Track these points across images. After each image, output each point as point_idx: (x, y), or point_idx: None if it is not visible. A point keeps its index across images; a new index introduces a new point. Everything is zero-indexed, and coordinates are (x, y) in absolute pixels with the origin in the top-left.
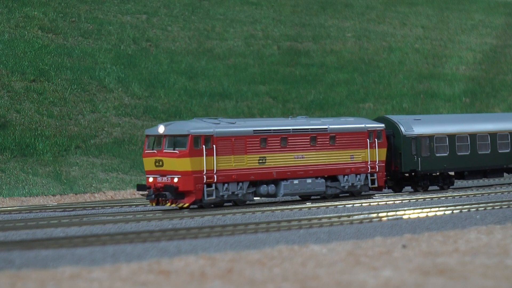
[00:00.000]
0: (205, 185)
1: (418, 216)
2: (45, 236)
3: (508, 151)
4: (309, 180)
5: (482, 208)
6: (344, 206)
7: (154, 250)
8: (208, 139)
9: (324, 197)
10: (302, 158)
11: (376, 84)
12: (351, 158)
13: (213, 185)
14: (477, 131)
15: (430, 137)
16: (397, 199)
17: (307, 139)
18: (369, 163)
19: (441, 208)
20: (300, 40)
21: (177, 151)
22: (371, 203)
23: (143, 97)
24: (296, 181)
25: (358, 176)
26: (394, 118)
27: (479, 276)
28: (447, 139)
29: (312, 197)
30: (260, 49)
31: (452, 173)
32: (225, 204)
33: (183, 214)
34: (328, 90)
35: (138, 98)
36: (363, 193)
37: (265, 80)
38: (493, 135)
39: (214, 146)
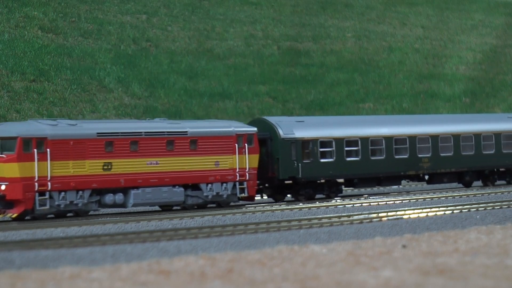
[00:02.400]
0: (37, 194)
1: (418, 216)
2: (45, 236)
3: (406, 156)
4: (165, 189)
5: (482, 208)
6: (344, 206)
7: (154, 250)
8: (41, 142)
9: (184, 208)
10: (157, 164)
11: (376, 84)
12: (215, 164)
13: (47, 193)
14: (370, 134)
15: (314, 141)
16: (397, 199)
17: (163, 143)
18: (237, 170)
19: (441, 208)
20: (300, 40)
21: (4, 156)
22: (371, 203)
23: (143, 97)
24: (148, 190)
25: (225, 184)
26: (273, 119)
27: (479, 276)
28: (333, 143)
29: (174, 208)
30: (260, 49)
31: (341, 180)
32: (68, 215)
33: (183, 214)
34: (328, 90)
35: (138, 98)
36: (232, 203)
37: (265, 80)
38: (389, 139)
39: (48, 150)
